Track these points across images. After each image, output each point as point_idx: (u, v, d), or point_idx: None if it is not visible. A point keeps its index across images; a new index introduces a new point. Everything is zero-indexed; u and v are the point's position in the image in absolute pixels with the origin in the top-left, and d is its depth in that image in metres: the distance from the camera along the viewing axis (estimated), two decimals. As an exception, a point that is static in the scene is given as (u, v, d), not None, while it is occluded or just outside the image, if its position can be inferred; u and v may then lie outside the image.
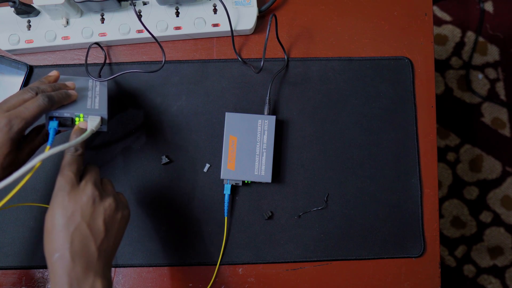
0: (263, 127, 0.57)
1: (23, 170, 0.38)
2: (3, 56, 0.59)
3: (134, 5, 0.56)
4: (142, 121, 0.59)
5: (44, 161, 0.39)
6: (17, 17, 0.56)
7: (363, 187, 0.60)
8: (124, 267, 0.58)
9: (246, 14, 0.58)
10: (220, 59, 0.60)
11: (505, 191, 1.32)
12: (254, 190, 0.59)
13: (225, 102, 0.60)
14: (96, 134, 0.58)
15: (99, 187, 0.44)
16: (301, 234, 0.59)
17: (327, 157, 0.60)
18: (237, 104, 0.60)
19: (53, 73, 0.50)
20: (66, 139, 0.46)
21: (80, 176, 0.44)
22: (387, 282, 0.60)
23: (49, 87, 0.46)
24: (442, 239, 1.31)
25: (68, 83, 0.49)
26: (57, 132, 0.46)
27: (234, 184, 0.57)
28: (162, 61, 0.54)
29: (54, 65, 0.60)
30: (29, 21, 0.57)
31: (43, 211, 0.57)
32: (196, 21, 0.58)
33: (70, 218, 0.41)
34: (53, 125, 0.45)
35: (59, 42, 0.57)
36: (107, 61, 0.60)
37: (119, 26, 0.57)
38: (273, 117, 0.57)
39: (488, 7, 1.37)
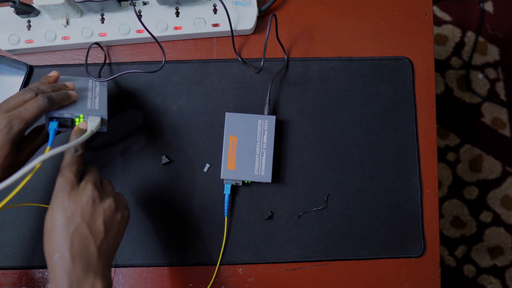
0: (263, 127, 0.57)
1: (23, 171, 0.38)
2: (3, 56, 0.59)
3: (134, 5, 0.56)
4: (142, 121, 0.59)
5: (44, 162, 0.39)
6: (17, 17, 0.56)
7: (363, 187, 0.60)
8: (124, 267, 0.58)
9: (246, 14, 0.58)
10: (220, 59, 0.60)
11: (505, 191, 1.32)
12: (254, 190, 0.59)
13: (225, 102, 0.60)
14: (96, 135, 0.58)
15: (99, 188, 0.44)
16: (301, 234, 0.59)
17: (327, 157, 0.60)
18: (237, 104, 0.60)
19: (53, 73, 0.50)
20: (66, 140, 0.46)
21: (80, 177, 0.44)
22: (387, 282, 0.60)
23: (49, 88, 0.46)
24: (442, 239, 1.31)
25: (68, 84, 0.49)
26: (57, 133, 0.46)
27: (234, 184, 0.57)
28: (162, 61, 0.54)
29: (54, 65, 0.60)
30: (29, 21, 0.57)
31: (43, 211, 0.57)
32: (196, 21, 0.58)
33: (70, 218, 0.41)
34: (53, 125, 0.45)
35: (59, 42, 0.57)
36: (107, 61, 0.60)
37: (119, 26, 0.57)
38: (273, 117, 0.57)
39: (488, 7, 1.37)
